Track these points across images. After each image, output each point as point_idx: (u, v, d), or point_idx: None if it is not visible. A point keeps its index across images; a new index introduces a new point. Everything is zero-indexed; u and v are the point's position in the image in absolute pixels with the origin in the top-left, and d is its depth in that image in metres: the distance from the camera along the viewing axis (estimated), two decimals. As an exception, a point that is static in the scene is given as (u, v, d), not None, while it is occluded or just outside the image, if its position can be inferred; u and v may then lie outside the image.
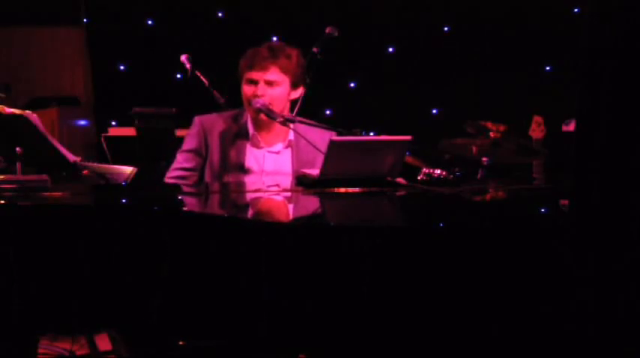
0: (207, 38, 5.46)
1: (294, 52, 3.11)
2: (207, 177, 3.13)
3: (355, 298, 1.99)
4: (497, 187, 3.04)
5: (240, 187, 3.03)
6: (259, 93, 3.04)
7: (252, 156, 3.13)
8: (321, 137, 3.05)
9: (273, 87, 3.06)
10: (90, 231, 2.25)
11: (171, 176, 3.16)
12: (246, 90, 3.08)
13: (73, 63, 6.25)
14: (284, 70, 3.06)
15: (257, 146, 3.15)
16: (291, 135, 3.16)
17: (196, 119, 3.19)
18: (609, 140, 1.67)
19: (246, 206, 2.68)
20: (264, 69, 3.05)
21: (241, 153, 3.12)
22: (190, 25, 5.62)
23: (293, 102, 3.21)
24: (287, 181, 3.08)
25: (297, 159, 3.15)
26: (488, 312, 1.98)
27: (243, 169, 3.11)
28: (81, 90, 6.24)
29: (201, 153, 3.14)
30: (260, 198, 2.79)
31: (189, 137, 3.17)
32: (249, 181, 3.09)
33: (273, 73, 3.06)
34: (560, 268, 1.91)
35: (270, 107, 3.02)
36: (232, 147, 3.12)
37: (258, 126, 3.15)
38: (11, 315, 2.27)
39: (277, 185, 2.95)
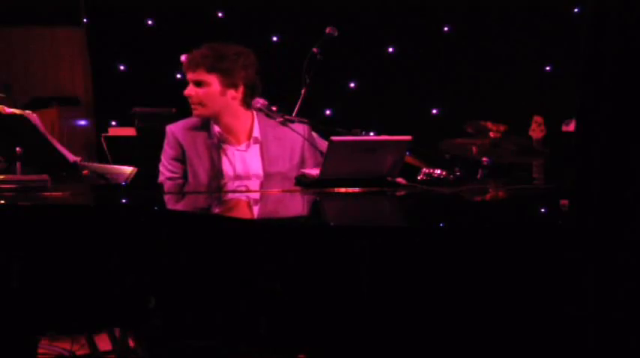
0: (207, 38, 5.45)
1: (230, 52, 3.10)
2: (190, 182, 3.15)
3: (355, 298, 1.99)
4: (497, 187, 3.04)
5: (234, 187, 3.03)
6: (187, 93, 3.08)
7: (224, 155, 3.15)
8: (290, 129, 3.06)
9: (202, 87, 3.08)
10: (90, 230, 2.25)
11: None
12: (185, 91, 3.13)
13: (73, 63, 6.25)
14: (210, 69, 3.06)
15: (225, 145, 3.16)
16: (256, 132, 3.17)
17: (167, 129, 3.20)
18: (609, 139, 1.67)
19: (245, 206, 2.68)
20: (192, 69, 3.08)
21: (216, 153, 3.13)
22: (190, 25, 5.62)
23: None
24: (256, 182, 3.09)
25: (266, 156, 3.15)
26: (488, 312, 1.98)
27: (219, 171, 3.12)
28: (81, 90, 6.24)
29: (180, 159, 3.16)
30: (259, 198, 2.79)
31: (167, 147, 3.19)
32: (228, 182, 3.10)
33: (200, 74, 3.07)
34: (560, 268, 1.91)
35: (201, 106, 3.05)
36: (206, 149, 3.13)
37: (222, 126, 3.16)
38: (11, 315, 2.27)
39: (246, 186, 2.96)
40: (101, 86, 6.00)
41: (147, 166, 3.19)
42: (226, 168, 3.15)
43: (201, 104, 3.08)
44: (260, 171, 3.15)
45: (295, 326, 2.06)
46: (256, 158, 3.17)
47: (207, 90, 3.08)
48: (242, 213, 2.61)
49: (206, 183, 3.10)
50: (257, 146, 3.17)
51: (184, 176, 3.15)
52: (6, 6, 5.79)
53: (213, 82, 3.08)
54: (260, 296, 2.07)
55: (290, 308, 2.05)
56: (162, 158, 3.20)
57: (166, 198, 2.86)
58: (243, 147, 3.17)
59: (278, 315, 2.06)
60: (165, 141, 3.21)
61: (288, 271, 2.05)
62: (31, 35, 6.15)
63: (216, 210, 2.63)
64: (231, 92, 3.10)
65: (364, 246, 1.99)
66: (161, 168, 3.20)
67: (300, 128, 3.11)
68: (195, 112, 3.12)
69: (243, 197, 2.81)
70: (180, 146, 3.15)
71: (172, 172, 3.16)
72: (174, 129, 3.19)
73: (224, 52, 3.10)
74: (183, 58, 3.66)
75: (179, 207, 2.72)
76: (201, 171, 3.12)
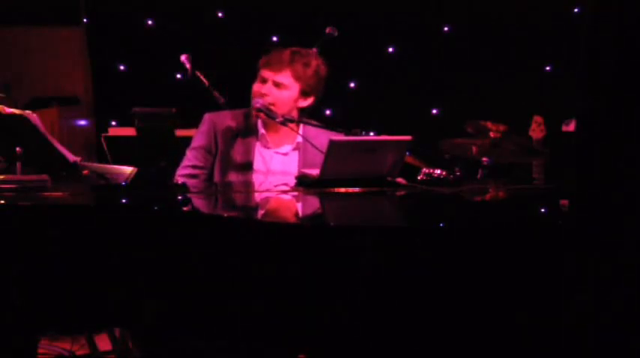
0: (207, 38, 5.46)
1: (314, 62, 3.10)
2: (216, 175, 3.12)
3: (355, 298, 1.99)
4: (497, 187, 3.04)
5: (240, 187, 3.03)
6: (264, 91, 3.04)
7: (260, 156, 3.13)
8: (326, 137, 3.05)
9: (281, 89, 3.05)
10: (90, 230, 2.25)
11: (181, 174, 3.14)
12: (255, 86, 3.09)
13: (73, 63, 6.23)
14: (296, 76, 3.05)
15: (265, 146, 3.14)
16: (299, 137, 3.15)
17: (206, 116, 3.18)
18: (609, 140, 1.67)
19: (245, 206, 2.68)
20: (277, 70, 3.05)
21: (250, 152, 3.11)
22: (190, 25, 5.62)
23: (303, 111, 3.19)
24: (292, 181, 3.08)
25: (303, 161, 3.14)
26: (488, 312, 1.98)
27: (250, 168, 3.11)
28: (81, 90, 6.23)
29: (211, 150, 3.13)
30: (260, 198, 2.79)
31: (200, 134, 3.16)
32: (255, 181, 3.08)
33: (285, 77, 3.05)
34: (560, 268, 1.91)
35: (271, 107, 3.02)
36: (241, 145, 3.11)
37: (267, 125, 3.15)
38: (11, 315, 2.27)
39: (286, 184, 2.95)
40: (101, 86, 5.99)
41: (147, 166, 3.18)
42: (259, 166, 3.12)
43: (270, 104, 3.04)
44: (295, 172, 3.13)
45: (295, 326, 2.06)
46: (294, 162, 3.16)
47: (286, 94, 3.06)
48: (242, 213, 2.60)
49: (229, 178, 3.08)
50: (296, 153, 3.16)
51: (211, 168, 3.13)
52: (6, 6, 5.78)
53: (295, 88, 3.07)
54: (260, 296, 2.07)
55: (290, 309, 2.05)
56: (192, 143, 3.16)
57: (167, 197, 2.86)
58: (284, 150, 3.16)
59: (278, 315, 2.06)
60: (200, 129, 3.17)
61: (288, 271, 2.05)
62: (31, 35, 6.14)
63: (217, 210, 2.63)
64: (301, 100, 3.10)
65: (364, 246, 1.99)
66: (188, 154, 3.16)
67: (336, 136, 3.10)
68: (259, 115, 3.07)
69: (245, 197, 2.81)
70: (215, 135, 3.12)
71: (198, 160, 3.13)
72: (214, 117, 3.16)
73: (311, 61, 3.09)
74: (183, 57, 3.66)
75: (178, 207, 2.72)
76: (231, 165, 3.09)
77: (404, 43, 5.73)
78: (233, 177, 3.10)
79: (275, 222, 2.34)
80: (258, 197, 2.83)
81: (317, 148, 2.94)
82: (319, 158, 3.05)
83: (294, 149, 3.16)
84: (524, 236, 2.04)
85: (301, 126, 3.13)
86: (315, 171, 2.76)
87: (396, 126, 3.37)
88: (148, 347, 2.80)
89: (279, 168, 3.13)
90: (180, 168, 3.16)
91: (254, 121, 3.14)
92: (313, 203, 2.66)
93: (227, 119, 3.15)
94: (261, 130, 3.13)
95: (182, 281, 2.19)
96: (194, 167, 3.13)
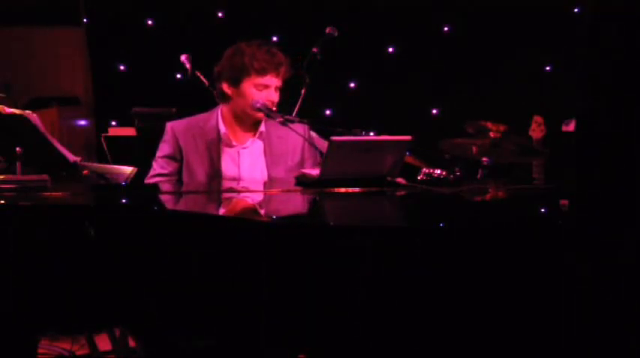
0: (207, 38, 5.46)
1: (284, 57, 3.12)
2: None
3: (355, 298, 1.99)
4: (497, 187, 3.04)
5: (234, 188, 3.03)
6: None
7: (227, 156, 3.13)
8: (294, 130, 3.07)
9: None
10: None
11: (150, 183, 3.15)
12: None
13: (73, 63, 6.24)
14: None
15: (229, 145, 3.14)
16: (262, 127, 3.16)
17: (168, 126, 3.18)
18: (609, 140, 1.67)
19: (245, 206, 2.68)
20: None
21: (216, 154, 3.11)
22: (190, 25, 5.62)
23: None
24: (260, 183, 3.09)
25: (269, 153, 3.15)
26: (488, 312, 1.98)
27: (220, 170, 3.11)
28: (81, 90, 6.23)
29: (176, 157, 3.13)
30: (259, 198, 2.79)
31: (163, 144, 3.17)
32: (230, 182, 3.09)
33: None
34: (560, 268, 1.91)
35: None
36: (206, 150, 3.11)
37: (229, 123, 3.15)
38: (11, 315, 2.27)
39: (245, 186, 2.96)
40: (101, 86, 6.00)
41: (147, 166, 3.19)
42: (230, 169, 3.13)
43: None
44: (265, 172, 3.13)
45: (295, 326, 2.06)
46: (260, 157, 3.15)
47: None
48: (242, 212, 2.60)
49: (204, 184, 3.09)
50: (261, 143, 3.16)
51: (179, 174, 3.13)
52: (6, 6, 5.78)
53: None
54: (260, 296, 2.07)
55: (290, 308, 2.05)
56: (157, 154, 3.17)
57: (165, 197, 2.86)
58: (248, 143, 3.16)
59: (278, 315, 2.06)
60: (163, 138, 3.18)
61: (288, 271, 2.05)
62: (31, 35, 6.14)
63: (216, 210, 2.63)
64: None
65: (364, 245, 1.99)
66: (153, 164, 3.17)
67: (300, 128, 3.11)
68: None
69: (242, 197, 2.81)
70: (178, 144, 3.13)
71: (163, 168, 3.14)
72: (175, 126, 3.16)
73: (286, 57, 3.10)
74: (183, 57, 3.66)
75: (179, 207, 2.72)
76: (199, 171, 3.10)
77: (404, 43, 5.73)
78: (203, 181, 3.10)
79: (275, 222, 2.34)
80: (256, 197, 2.83)
81: (293, 128, 3.00)
82: (285, 148, 3.12)
83: (258, 138, 3.16)
84: (524, 236, 2.04)
85: (264, 118, 3.13)
86: (315, 171, 2.76)
87: (396, 126, 3.37)
88: (148, 347, 2.80)
89: (247, 162, 3.13)
90: (147, 178, 3.15)
91: (215, 124, 3.14)
92: (312, 203, 2.66)
93: (187, 126, 3.15)
94: (223, 130, 3.13)
95: (182, 280, 2.19)
96: (161, 175, 3.13)
